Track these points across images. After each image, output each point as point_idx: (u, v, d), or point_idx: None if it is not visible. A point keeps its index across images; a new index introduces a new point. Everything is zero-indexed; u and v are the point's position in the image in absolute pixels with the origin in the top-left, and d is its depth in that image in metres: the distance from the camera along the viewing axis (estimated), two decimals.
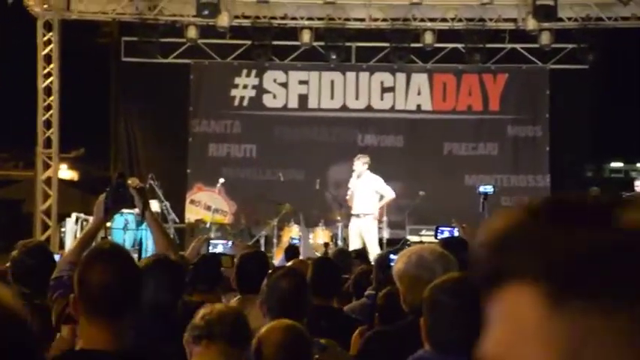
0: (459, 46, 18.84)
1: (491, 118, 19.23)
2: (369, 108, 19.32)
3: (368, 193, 15.55)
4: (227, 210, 18.71)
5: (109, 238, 11.36)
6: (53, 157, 18.60)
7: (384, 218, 16.05)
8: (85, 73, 20.01)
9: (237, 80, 19.39)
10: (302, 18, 18.72)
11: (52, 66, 18.33)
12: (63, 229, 16.73)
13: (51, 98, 18.38)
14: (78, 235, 13.51)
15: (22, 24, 18.27)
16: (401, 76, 19.29)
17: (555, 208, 0.83)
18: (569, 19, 18.33)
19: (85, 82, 20.36)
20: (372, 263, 8.84)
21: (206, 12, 17.67)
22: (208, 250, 8.91)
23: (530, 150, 19.09)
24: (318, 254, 12.55)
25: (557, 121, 18.88)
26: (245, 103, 19.35)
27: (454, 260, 4.56)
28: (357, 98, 19.34)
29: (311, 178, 17.51)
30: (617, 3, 17.80)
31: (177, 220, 16.90)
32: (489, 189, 16.45)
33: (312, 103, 19.35)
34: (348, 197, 15.78)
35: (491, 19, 18.56)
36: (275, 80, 19.39)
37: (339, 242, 15.76)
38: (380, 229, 15.96)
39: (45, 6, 18.27)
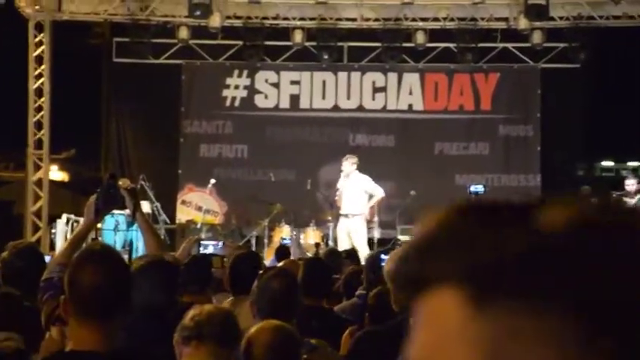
0: (451, 45, 18.86)
1: (483, 117, 19.24)
2: (360, 108, 19.33)
3: (357, 193, 15.56)
4: (218, 210, 18.69)
5: (100, 239, 11.36)
6: (44, 159, 18.58)
7: (376, 218, 16.06)
8: (76, 73, 19.96)
9: (228, 80, 19.38)
10: (294, 18, 18.72)
11: (43, 67, 18.31)
12: (53, 231, 16.70)
13: (42, 99, 18.36)
14: (68, 237, 13.49)
15: (13, 25, 18.22)
16: (392, 76, 19.30)
17: (480, 210, 0.84)
18: (561, 18, 18.36)
19: (77, 83, 20.31)
20: (363, 263, 8.85)
21: (198, 12, 17.66)
22: (199, 250, 8.92)
23: (521, 149, 19.11)
24: (309, 254, 12.57)
25: (548, 121, 18.90)
26: (237, 103, 19.35)
27: None
28: (348, 98, 19.34)
29: (302, 178, 17.51)
30: (609, 2, 17.83)
31: (168, 221, 16.90)
32: (480, 188, 16.55)
33: (304, 104, 19.35)
34: (337, 197, 15.80)
35: (482, 19, 18.59)
36: (267, 80, 19.38)
37: (330, 242, 15.76)
38: (371, 229, 15.97)
39: (36, 7, 18.25)
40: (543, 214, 0.81)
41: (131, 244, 13.86)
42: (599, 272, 0.79)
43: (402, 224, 16.51)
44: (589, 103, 19.69)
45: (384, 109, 19.31)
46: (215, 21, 18.03)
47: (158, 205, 16.37)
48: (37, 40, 18.32)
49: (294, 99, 19.36)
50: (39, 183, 18.56)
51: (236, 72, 19.37)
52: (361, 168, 15.83)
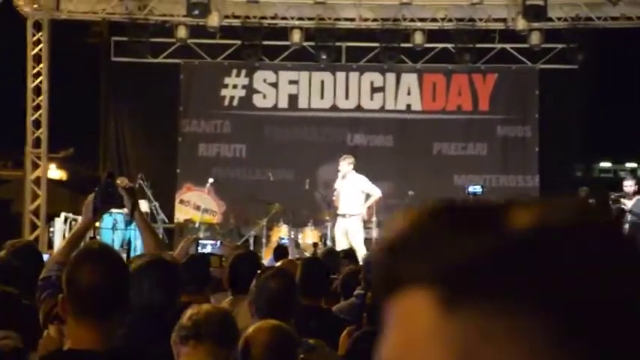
0: (449, 46, 18.87)
1: (481, 118, 19.25)
2: (358, 108, 19.33)
3: (353, 193, 15.57)
4: (216, 210, 18.70)
5: (98, 238, 11.35)
6: (42, 157, 18.57)
7: (374, 218, 16.06)
8: (74, 72, 19.95)
9: (227, 80, 19.38)
10: (292, 18, 18.72)
11: (41, 66, 18.31)
12: (52, 229, 16.70)
13: (40, 98, 18.35)
14: (67, 235, 13.48)
15: (11, 24, 18.20)
16: (391, 76, 19.30)
17: (451, 211, 0.84)
18: (559, 19, 18.38)
19: (75, 82, 20.29)
20: (361, 263, 8.84)
21: (196, 12, 17.66)
22: (197, 250, 8.90)
23: (519, 150, 19.12)
24: (307, 254, 12.56)
25: (546, 121, 18.90)
26: (235, 103, 19.34)
27: None
28: (347, 98, 19.35)
29: (300, 178, 17.52)
30: (607, 3, 17.84)
31: (166, 220, 16.90)
32: (478, 189, 16.55)
33: (302, 103, 19.35)
34: (334, 198, 15.81)
35: (481, 19, 18.60)
36: (265, 80, 19.38)
37: (328, 242, 15.77)
38: (369, 229, 15.97)
39: (34, 6, 18.25)
40: (514, 215, 0.82)
41: (129, 243, 13.85)
42: (570, 273, 0.80)
43: None
44: (587, 104, 19.71)
45: (382, 109, 19.32)
46: (213, 20, 18.03)
47: (156, 204, 16.37)
48: (35, 38, 18.32)
49: (293, 99, 19.35)
50: (37, 182, 18.55)
51: (234, 71, 19.37)
52: (359, 168, 15.83)
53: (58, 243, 15.08)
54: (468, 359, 0.79)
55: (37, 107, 18.38)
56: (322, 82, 19.35)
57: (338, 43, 18.93)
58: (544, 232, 0.81)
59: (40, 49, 18.32)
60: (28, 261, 5.70)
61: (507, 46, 19.14)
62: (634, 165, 28.76)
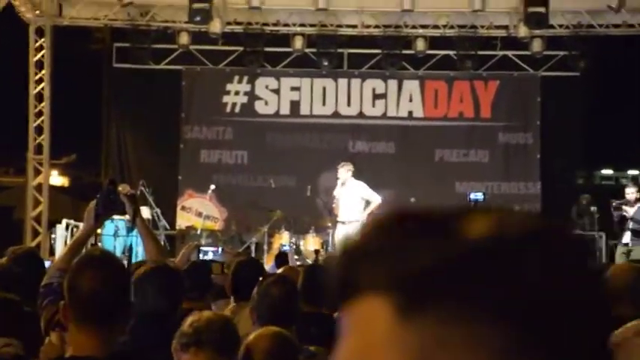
0: (451, 52, 18.87)
1: (483, 125, 19.24)
2: (360, 115, 19.33)
3: (353, 200, 15.59)
4: (218, 216, 18.69)
5: (100, 244, 11.35)
6: (44, 164, 18.57)
7: None
8: (76, 79, 19.99)
9: (229, 86, 19.38)
10: (294, 24, 18.73)
11: (43, 72, 18.32)
12: (53, 236, 16.70)
13: (42, 104, 18.36)
14: (68, 242, 13.49)
15: (13, 30, 18.23)
16: (392, 83, 19.31)
17: (409, 219, 0.84)
18: (561, 26, 18.38)
19: (77, 88, 20.34)
20: None
21: (198, 18, 17.66)
22: (198, 256, 8.90)
23: (521, 157, 19.11)
24: (309, 261, 12.55)
25: (548, 128, 18.90)
26: (237, 109, 19.35)
27: None
28: (348, 105, 19.35)
29: (302, 184, 17.53)
30: (609, 10, 17.83)
31: (167, 227, 16.90)
32: (480, 196, 16.57)
33: (304, 110, 19.35)
34: (334, 205, 15.83)
35: (482, 26, 18.60)
36: (267, 87, 19.39)
37: (330, 249, 15.76)
38: None
39: (37, 12, 18.26)
40: (470, 223, 0.82)
41: (131, 249, 13.83)
42: (528, 281, 0.80)
43: None
44: (589, 111, 19.70)
45: (384, 116, 19.32)
46: (215, 27, 18.03)
47: (158, 210, 16.37)
48: (37, 44, 18.34)
49: (295, 105, 19.36)
50: (39, 188, 18.55)
51: (236, 78, 19.38)
52: (361, 175, 15.84)
53: (60, 250, 15.07)
54: None
55: (39, 113, 18.38)
56: (324, 89, 19.35)
57: (340, 50, 18.93)
58: (501, 241, 0.81)
59: (43, 56, 18.33)
60: (29, 268, 5.70)
61: (509, 53, 19.15)
62: (636, 172, 28.79)
